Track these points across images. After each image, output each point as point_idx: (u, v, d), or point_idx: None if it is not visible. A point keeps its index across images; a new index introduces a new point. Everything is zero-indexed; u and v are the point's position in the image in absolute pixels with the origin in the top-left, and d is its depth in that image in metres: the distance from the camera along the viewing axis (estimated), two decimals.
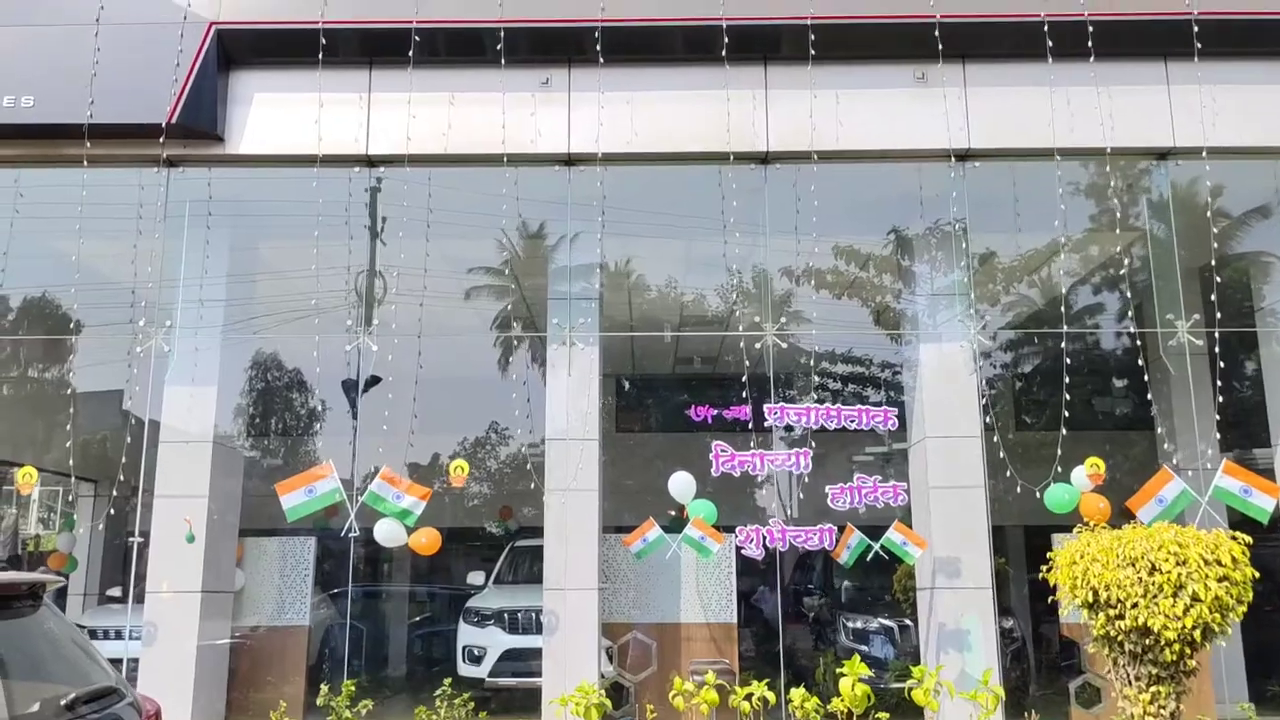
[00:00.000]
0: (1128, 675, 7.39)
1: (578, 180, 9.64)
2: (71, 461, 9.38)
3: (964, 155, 9.55)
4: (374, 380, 13.44)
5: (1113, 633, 7.30)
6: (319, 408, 12.45)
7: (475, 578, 12.91)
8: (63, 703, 3.52)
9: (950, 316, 10.12)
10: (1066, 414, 9.14)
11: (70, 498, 9.55)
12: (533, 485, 9.88)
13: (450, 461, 9.39)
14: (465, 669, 11.20)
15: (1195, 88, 9.30)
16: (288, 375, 12.76)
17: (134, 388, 9.52)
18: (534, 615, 11.10)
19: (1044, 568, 8.18)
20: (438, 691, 8.99)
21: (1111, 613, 7.24)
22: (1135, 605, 7.07)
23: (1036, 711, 9.25)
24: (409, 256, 9.70)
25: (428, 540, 9.26)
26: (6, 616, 3.68)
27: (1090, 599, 7.37)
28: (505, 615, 11.32)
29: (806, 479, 9.07)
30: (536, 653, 10.79)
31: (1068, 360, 9.30)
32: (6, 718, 3.07)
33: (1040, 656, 11.90)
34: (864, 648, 11.13)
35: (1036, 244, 11.03)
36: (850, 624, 11.37)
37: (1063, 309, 9.61)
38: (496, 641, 11.20)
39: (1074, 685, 10.23)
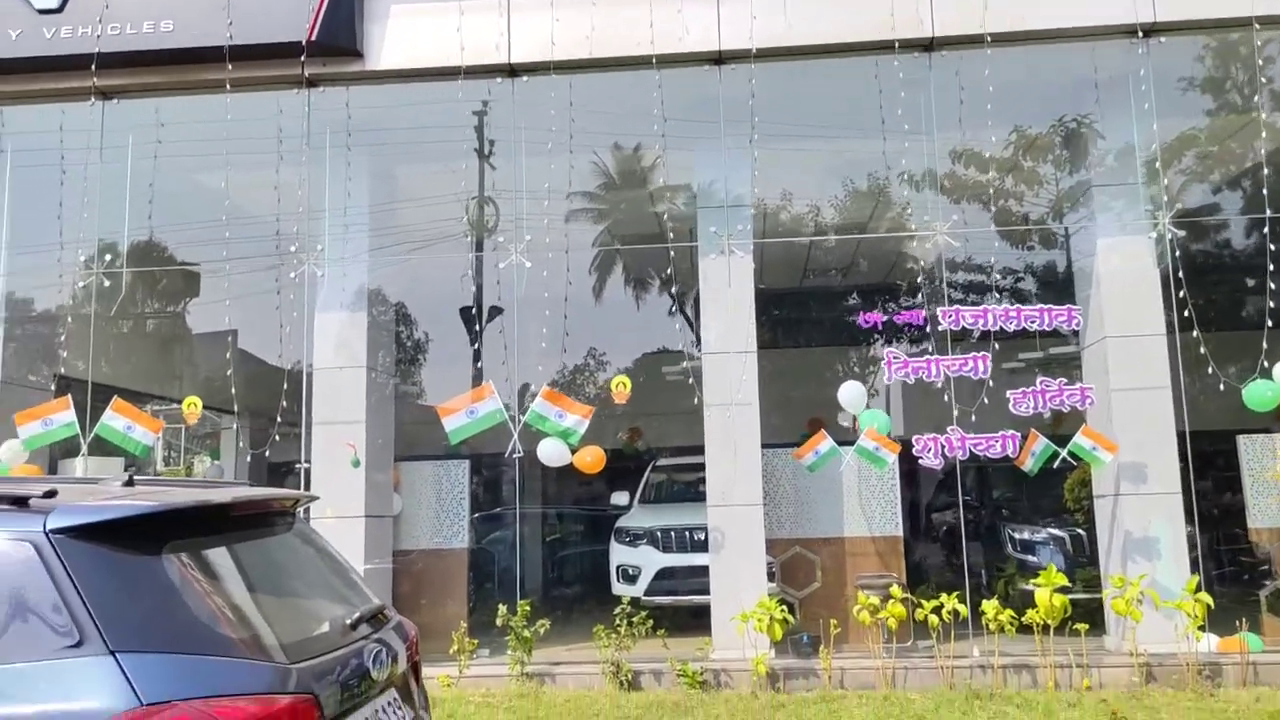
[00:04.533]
0: None
1: (728, 79, 9.15)
2: (234, 391, 9.41)
3: (1149, 30, 8.79)
4: (496, 311, 13.31)
5: None
6: (466, 331, 12.29)
7: (619, 498, 12.77)
8: (347, 622, 3.36)
9: (1132, 206, 9.44)
10: (1272, 304, 8.49)
11: (235, 427, 9.57)
12: (678, 402, 9.58)
13: (611, 379, 9.14)
14: (620, 588, 11.10)
15: None
16: (434, 299, 12.60)
17: (290, 314, 9.45)
18: (687, 534, 10.96)
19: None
20: (616, 610, 8.88)
21: None
22: None
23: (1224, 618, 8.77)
24: (555, 169, 9.36)
25: (592, 458, 9.09)
26: (265, 535, 3.50)
27: None
28: (658, 534, 11.15)
29: (990, 383, 8.61)
30: (691, 571, 10.68)
31: (1272, 247, 8.60)
32: (277, 644, 2.87)
33: (1227, 564, 11.31)
34: (1032, 558, 10.72)
35: (1226, 124, 10.18)
36: (1017, 535, 10.94)
37: (1265, 192, 8.84)
38: (651, 561, 11.05)
39: (1265, 592, 9.72)
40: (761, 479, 9.60)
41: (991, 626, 8.14)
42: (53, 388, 10.15)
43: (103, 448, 9.54)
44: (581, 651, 9.40)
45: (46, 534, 2.68)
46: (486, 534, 12.18)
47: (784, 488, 10.30)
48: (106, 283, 9.55)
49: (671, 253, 9.72)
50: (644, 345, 15.45)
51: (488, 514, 12.25)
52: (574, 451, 9.07)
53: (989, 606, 8.21)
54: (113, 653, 2.54)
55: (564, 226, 9.58)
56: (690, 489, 12.70)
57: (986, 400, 8.51)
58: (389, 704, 3.42)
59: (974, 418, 8.52)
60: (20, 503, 2.80)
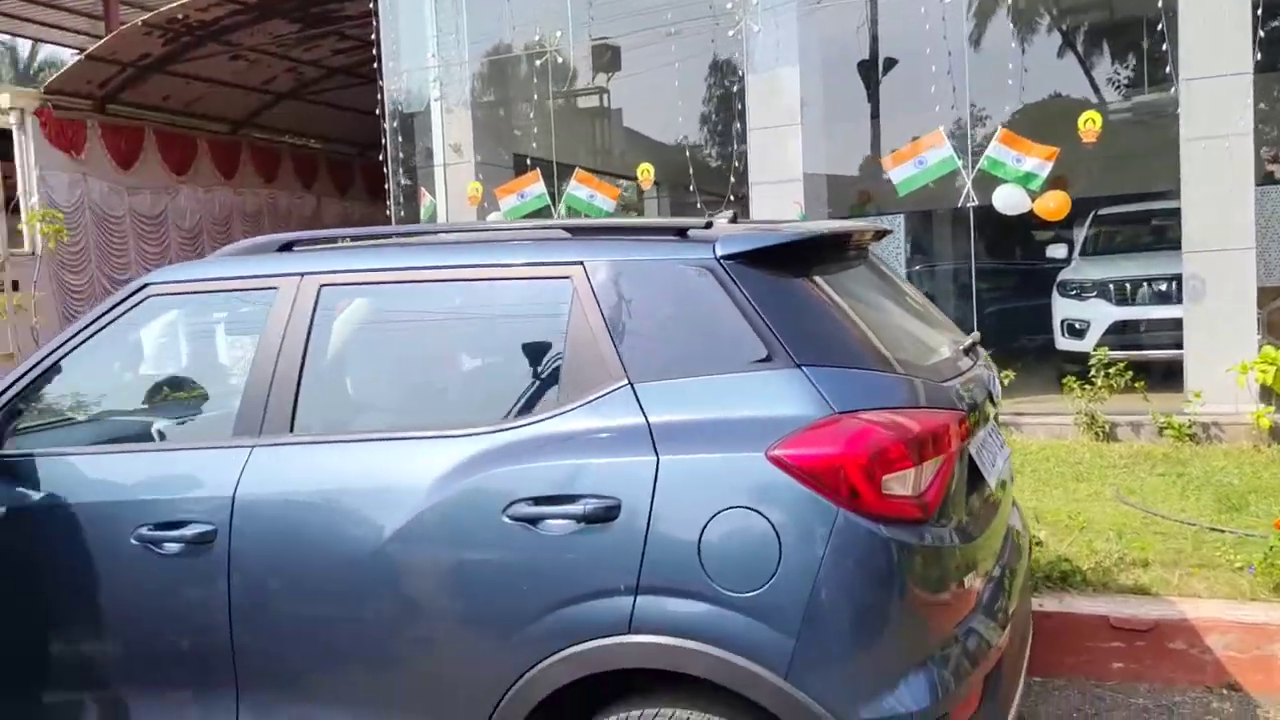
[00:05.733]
0: None
1: None
2: (687, 154, 9.73)
3: None
4: (891, 62, 12.45)
5: None
6: (906, 75, 11.71)
7: (1056, 250, 11.99)
8: (961, 348, 3.38)
9: None
10: None
11: (692, 187, 9.93)
12: (1119, 144, 8.52)
13: (1080, 116, 8.37)
14: (1065, 343, 10.60)
15: None
16: (868, 45, 12.05)
17: (732, 74, 9.48)
18: (1144, 284, 10.17)
19: None
20: (1091, 361, 8.50)
21: None
22: None
23: None
24: None
25: (1056, 204, 8.53)
26: (855, 266, 3.46)
27: None
28: (1110, 286, 10.40)
29: None
30: (1147, 324, 10.00)
31: None
32: (919, 365, 2.92)
33: None
34: None
35: None
36: None
37: None
38: (1101, 314, 10.37)
39: None
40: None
41: None
42: (528, 164, 11.01)
43: (575, 216, 10.31)
44: (1036, 404, 9.16)
45: (718, 260, 2.82)
46: (921, 288, 12.02)
47: (1273, 230, 9.11)
48: (559, 59, 10.04)
49: None
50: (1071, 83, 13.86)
51: (918, 269, 12.01)
52: (1034, 198, 8.53)
53: None
54: (799, 366, 2.66)
55: None
56: (1136, 239, 11.70)
57: None
58: (992, 431, 3.45)
59: None
60: (681, 233, 2.97)
